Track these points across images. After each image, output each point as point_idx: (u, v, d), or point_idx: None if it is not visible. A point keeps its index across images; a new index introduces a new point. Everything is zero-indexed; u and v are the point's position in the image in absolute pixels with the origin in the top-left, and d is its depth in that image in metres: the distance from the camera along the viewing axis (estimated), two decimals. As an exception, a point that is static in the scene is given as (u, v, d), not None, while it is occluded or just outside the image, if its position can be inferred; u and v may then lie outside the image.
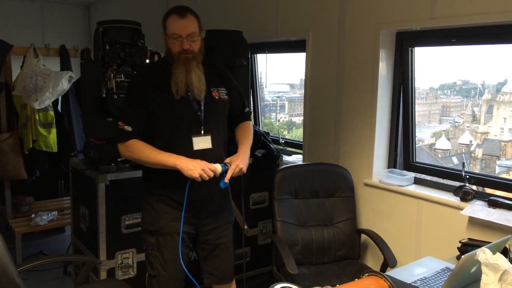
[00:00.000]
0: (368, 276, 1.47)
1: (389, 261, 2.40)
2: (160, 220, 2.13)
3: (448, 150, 3.26)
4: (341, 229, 2.78)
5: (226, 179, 2.03)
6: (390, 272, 1.90)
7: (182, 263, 2.07)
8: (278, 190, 2.78)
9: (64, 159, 3.14)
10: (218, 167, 2.02)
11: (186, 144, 2.08)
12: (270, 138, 3.42)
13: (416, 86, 2.88)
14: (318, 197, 2.84)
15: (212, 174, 1.99)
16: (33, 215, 3.57)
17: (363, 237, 2.82)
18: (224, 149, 2.24)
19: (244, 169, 2.08)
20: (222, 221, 2.25)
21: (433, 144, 3.29)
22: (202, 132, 2.10)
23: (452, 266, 1.90)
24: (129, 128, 2.06)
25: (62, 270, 3.49)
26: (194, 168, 1.95)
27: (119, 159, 2.69)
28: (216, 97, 2.17)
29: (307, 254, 2.70)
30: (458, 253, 2.03)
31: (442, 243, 2.44)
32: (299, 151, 3.57)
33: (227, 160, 2.09)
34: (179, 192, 2.07)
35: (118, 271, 2.66)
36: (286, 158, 3.50)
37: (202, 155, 2.06)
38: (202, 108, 2.12)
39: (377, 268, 2.53)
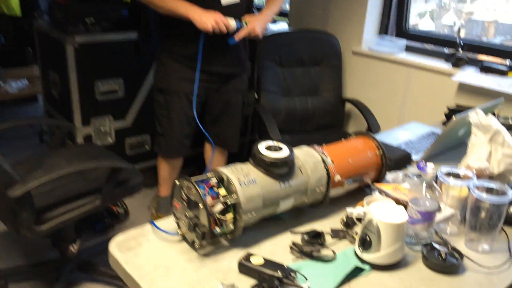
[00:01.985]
0: (356, 136, 1.41)
1: (372, 128, 2.39)
2: (168, 78, 2.11)
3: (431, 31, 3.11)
4: (326, 98, 2.71)
5: (237, 37, 1.96)
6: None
7: (195, 113, 2.05)
8: (262, 57, 2.64)
9: (27, 20, 2.86)
10: (232, 23, 1.93)
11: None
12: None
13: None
14: (304, 65, 2.72)
15: (224, 29, 1.90)
16: (1, 83, 3.38)
17: (348, 106, 2.77)
18: (250, 5, 2.15)
19: (260, 35, 2.02)
20: (233, 88, 2.22)
21: (416, 24, 3.12)
22: None
23: (437, 130, 1.87)
24: None
25: (38, 138, 3.43)
26: (207, 19, 1.87)
27: (86, 19, 2.45)
28: None
29: (291, 122, 2.66)
30: (445, 118, 1.99)
31: (428, 110, 2.41)
32: (283, 18, 3.33)
33: (247, 18, 2.00)
34: (191, 48, 2.00)
35: (96, 138, 2.59)
36: (270, 26, 3.27)
37: (230, 10, 1.97)
38: None
39: (359, 136, 2.52)
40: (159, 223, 1.17)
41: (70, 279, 1.99)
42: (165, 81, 2.11)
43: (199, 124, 2.03)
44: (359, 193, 1.32)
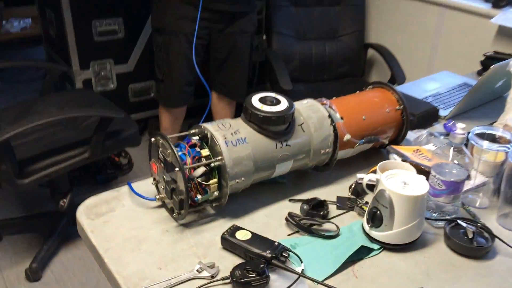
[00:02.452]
0: (372, 88, 1.20)
1: (397, 78, 2.17)
2: (165, 17, 1.91)
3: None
4: (346, 43, 2.46)
5: None
6: (399, 88, 1.65)
7: (195, 61, 1.83)
8: (275, -5, 2.38)
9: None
10: None
11: None
12: None
13: None
14: (322, 4, 2.46)
15: None
16: (4, 22, 3.21)
17: (370, 52, 2.53)
18: None
19: None
20: (239, 29, 2.00)
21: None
22: None
23: (472, 81, 1.64)
24: None
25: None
26: None
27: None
28: None
29: (305, 70, 2.44)
30: (481, 67, 1.75)
31: (462, 57, 2.18)
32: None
33: None
34: None
35: (96, 83, 2.43)
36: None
37: None
38: None
39: (381, 86, 2.30)
40: (138, 184, 1.02)
41: (65, 233, 1.91)
42: (163, 19, 1.90)
43: (197, 69, 1.82)
44: (375, 155, 1.13)
